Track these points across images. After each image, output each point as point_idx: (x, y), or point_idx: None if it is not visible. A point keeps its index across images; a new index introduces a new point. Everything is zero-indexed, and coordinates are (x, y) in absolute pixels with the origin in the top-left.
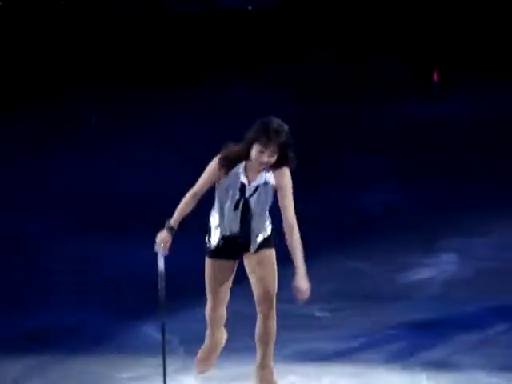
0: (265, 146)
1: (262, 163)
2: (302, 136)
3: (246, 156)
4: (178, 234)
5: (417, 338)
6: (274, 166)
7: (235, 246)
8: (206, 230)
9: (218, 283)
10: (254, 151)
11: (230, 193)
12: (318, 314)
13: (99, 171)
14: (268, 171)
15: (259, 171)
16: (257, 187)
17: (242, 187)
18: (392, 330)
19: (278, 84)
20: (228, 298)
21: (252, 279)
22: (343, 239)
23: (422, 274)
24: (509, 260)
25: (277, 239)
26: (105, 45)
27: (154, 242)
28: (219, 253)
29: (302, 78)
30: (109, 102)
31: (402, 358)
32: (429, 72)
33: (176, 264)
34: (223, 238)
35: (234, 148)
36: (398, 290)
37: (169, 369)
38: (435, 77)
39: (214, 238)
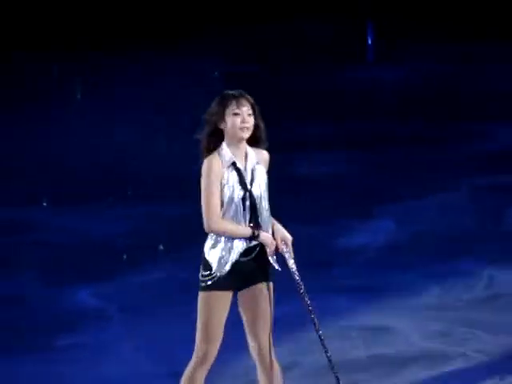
0: (237, 105)
1: (243, 127)
2: None
3: (220, 134)
4: (117, 204)
5: (353, 303)
6: (252, 142)
7: (250, 267)
8: (202, 261)
9: (219, 320)
10: (230, 120)
11: (233, 190)
12: None
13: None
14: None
15: (241, 148)
16: (252, 170)
17: (240, 176)
18: (328, 294)
19: (213, 49)
20: None
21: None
22: (280, 205)
23: (359, 239)
24: (443, 224)
25: None
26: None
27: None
28: (232, 281)
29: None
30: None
31: (338, 322)
32: (363, 36)
33: (113, 231)
34: (237, 260)
35: (206, 132)
36: (335, 255)
37: (106, 338)
38: (369, 41)
39: (222, 265)
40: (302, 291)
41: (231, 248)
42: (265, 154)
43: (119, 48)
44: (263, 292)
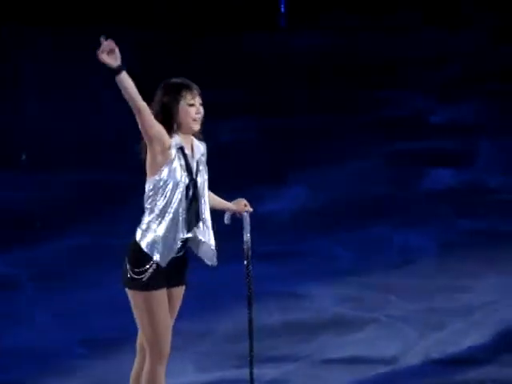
0: (192, 95)
1: (197, 118)
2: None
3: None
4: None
5: (267, 269)
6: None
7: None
8: (133, 255)
9: (166, 315)
10: (183, 110)
11: (180, 175)
12: None
13: None
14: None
15: (188, 138)
16: (198, 161)
17: (187, 163)
18: (243, 261)
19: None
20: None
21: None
22: None
23: (273, 205)
24: (356, 190)
25: None
26: None
27: None
28: (166, 277)
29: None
30: None
31: (262, 288)
32: (274, 2)
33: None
34: (177, 252)
35: (158, 119)
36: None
37: (18, 306)
38: (282, 8)
39: (165, 258)
40: (248, 260)
41: (174, 240)
42: (205, 147)
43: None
44: (180, 294)
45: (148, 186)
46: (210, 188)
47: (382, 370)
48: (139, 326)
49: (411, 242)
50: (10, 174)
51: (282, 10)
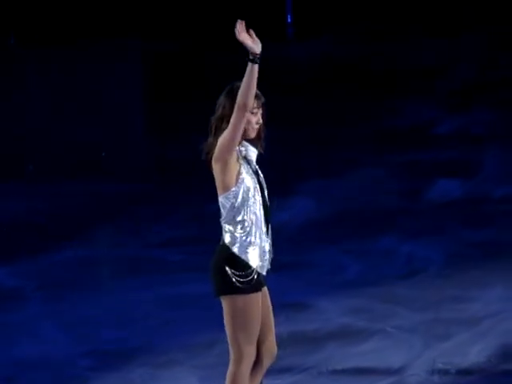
0: (257, 104)
1: (255, 127)
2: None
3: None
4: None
5: (275, 280)
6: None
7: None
8: (229, 260)
9: (259, 320)
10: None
11: (251, 183)
12: (172, 257)
13: None
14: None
15: (244, 144)
16: (256, 165)
17: (252, 169)
18: None
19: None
20: None
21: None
22: (201, 184)
23: (280, 216)
24: (363, 201)
25: None
26: None
27: None
28: (259, 282)
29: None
30: None
31: None
32: (281, 13)
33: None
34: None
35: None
36: None
37: (25, 317)
38: (289, 18)
39: (253, 260)
40: None
41: (263, 245)
42: (255, 151)
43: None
44: (267, 292)
45: (229, 198)
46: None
47: (388, 380)
48: (232, 330)
49: (418, 252)
50: (16, 184)
51: (289, 20)
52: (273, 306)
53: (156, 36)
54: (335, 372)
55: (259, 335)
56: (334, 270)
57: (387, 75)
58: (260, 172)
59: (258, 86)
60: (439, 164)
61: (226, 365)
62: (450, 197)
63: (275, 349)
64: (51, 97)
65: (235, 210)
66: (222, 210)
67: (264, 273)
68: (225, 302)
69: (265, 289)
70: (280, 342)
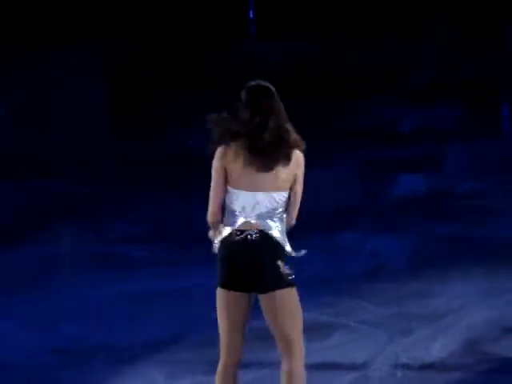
0: None
1: None
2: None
3: None
4: None
5: None
6: None
7: None
8: (284, 257)
9: None
10: None
11: None
12: (137, 254)
13: None
14: None
15: None
16: None
17: None
18: (210, 267)
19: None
20: None
21: None
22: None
23: None
24: (326, 197)
25: None
26: None
27: None
28: None
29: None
30: None
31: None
32: (244, 9)
33: None
34: None
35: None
36: None
37: None
38: (251, 14)
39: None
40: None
41: None
42: None
43: None
44: None
45: (284, 196)
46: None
47: (352, 375)
48: (295, 322)
49: (382, 248)
50: None
51: (251, 16)
52: None
53: (119, 36)
54: None
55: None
56: (299, 265)
57: (350, 74)
58: None
59: (221, 82)
60: (403, 160)
61: (191, 361)
62: (414, 193)
63: None
64: (12, 98)
65: (285, 207)
66: (273, 205)
67: None
68: (291, 293)
69: None
70: (246, 337)
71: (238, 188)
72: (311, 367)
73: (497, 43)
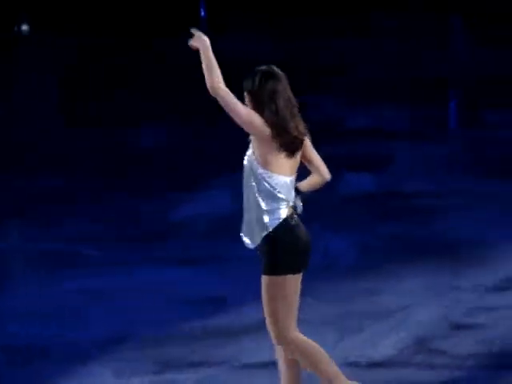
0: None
1: None
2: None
3: None
4: None
5: (188, 274)
6: None
7: None
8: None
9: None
10: None
11: None
12: (86, 252)
13: None
14: None
15: None
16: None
17: None
18: (163, 266)
19: None
20: None
21: None
22: (111, 180)
23: (192, 210)
24: None
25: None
26: None
27: None
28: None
29: None
30: None
31: (173, 294)
32: (196, 8)
33: None
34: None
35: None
36: (168, 227)
37: None
38: (203, 13)
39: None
40: None
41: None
42: None
43: None
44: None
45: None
46: (129, 190)
47: (303, 372)
48: None
49: (331, 245)
50: None
51: (203, 14)
52: (184, 299)
53: (72, 31)
54: (249, 365)
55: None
56: (248, 264)
57: (298, 72)
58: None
59: (174, 82)
60: (351, 158)
61: (141, 360)
62: (362, 191)
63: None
64: None
65: None
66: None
67: None
68: None
69: None
70: (193, 336)
71: (279, 173)
72: (262, 365)
73: (445, 39)
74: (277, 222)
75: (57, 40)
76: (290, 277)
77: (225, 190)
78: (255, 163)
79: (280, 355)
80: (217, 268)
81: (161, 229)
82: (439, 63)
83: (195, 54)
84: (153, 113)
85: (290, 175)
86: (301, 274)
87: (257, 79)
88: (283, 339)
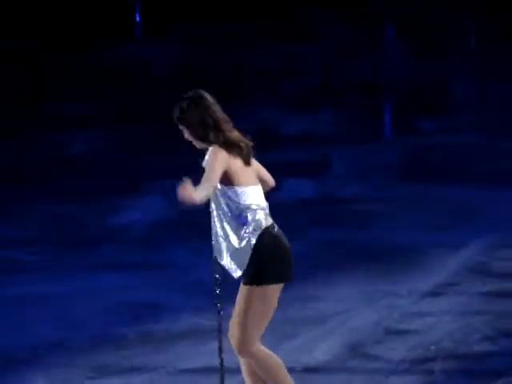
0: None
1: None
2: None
3: None
4: None
5: (123, 279)
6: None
7: None
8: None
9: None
10: None
11: None
12: (20, 257)
13: None
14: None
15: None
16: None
17: None
18: (98, 271)
19: None
20: None
21: None
22: (46, 186)
23: (127, 216)
24: None
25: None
26: None
27: None
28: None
29: None
30: None
31: (107, 299)
32: (130, 12)
33: None
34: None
35: None
36: (104, 232)
37: None
38: (137, 17)
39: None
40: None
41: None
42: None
43: None
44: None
45: None
46: (64, 195)
47: (237, 379)
48: None
49: None
50: None
51: (137, 19)
52: (120, 304)
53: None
54: (184, 371)
55: None
56: (184, 269)
57: (233, 77)
58: None
59: (110, 87)
60: (288, 164)
61: (74, 366)
62: (299, 197)
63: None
64: None
65: None
66: None
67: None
68: None
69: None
70: (128, 342)
71: (246, 184)
72: (197, 370)
73: (379, 45)
74: (259, 232)
75: None
76: (272, 287)
77: (159, 195)
78: (220, 186)
79: (242, 361)
80: (152, 274)
81: (96, 234)
82: (374, 70)
83: (126, 56)
84: (88, 117)
85: (254, 184)
86: (282, 284)
87: (187, 105)
88: (245, 350)
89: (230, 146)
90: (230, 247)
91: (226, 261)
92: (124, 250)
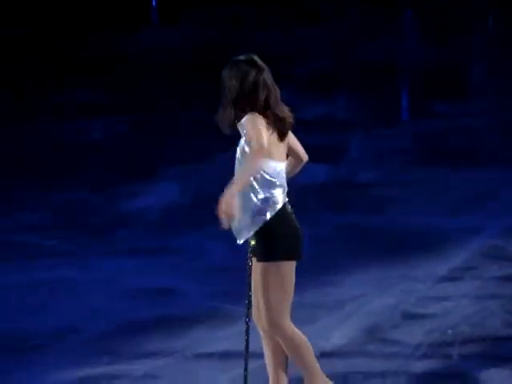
0: None
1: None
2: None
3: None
4: None
5: (139, 265)
6: None
7: None
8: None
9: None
10: None
11: None
12: (37, 242)
13: None
14: None
15: None
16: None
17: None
18: (114, 256)
19: None
20: None
21: None
22: (60, 173)
23: (142, 201)
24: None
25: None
26: None
27: None
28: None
29: None
30: None
31: (124, 284)
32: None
33: None
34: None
35: None
36: (119, 218)
37: None
38: (154, 2)
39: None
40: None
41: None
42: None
43: None
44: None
45: None
46: (82, 182)
47: (255, 363)
48: None
49: None
50: None
51: (154, 4)
52: (137, 290)
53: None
54: (202, 356)
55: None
56: (198, 254)
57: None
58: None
59: (124, 73)
60: (305, 149)
61: (91, 350)
62: (315, 181)
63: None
64: None
65: None
66: None
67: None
68: None
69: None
70: (144, 327)
71: (273, 159)
72: (214, 355)
73: (395, 28)
74: (274, 208)
75: None
76: (287, 263)
77: (175, 182)
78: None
79: (266, 343)
80: (168, 259)
81: (111, 220)
82: (390, 53)
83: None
84: (103, 105)
85: (283, 161)
86: (295, 262)
87: (240, 70)
88: (276, 326)
89: (278, 120)
90: (245, 214)
91: (234, 225)
92: (139, 235)
